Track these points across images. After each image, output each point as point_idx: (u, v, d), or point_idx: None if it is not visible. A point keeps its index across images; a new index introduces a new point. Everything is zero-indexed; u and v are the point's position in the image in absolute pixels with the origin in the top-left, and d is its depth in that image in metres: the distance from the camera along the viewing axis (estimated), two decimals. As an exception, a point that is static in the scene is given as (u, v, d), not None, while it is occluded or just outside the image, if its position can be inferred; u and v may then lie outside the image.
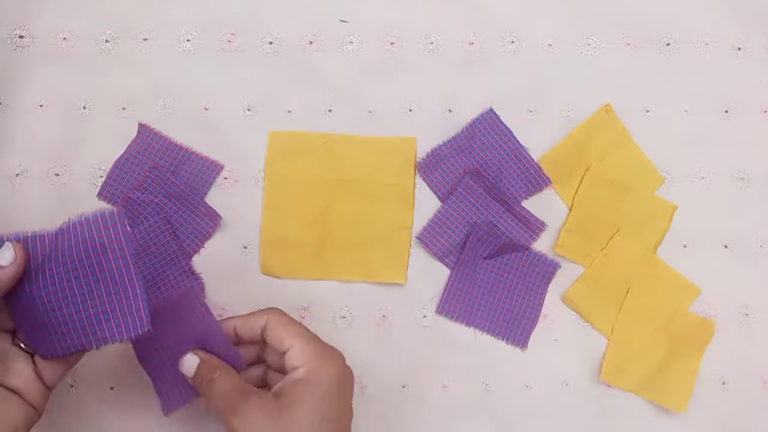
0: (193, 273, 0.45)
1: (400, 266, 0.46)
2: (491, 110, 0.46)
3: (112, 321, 0.33)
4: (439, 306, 0.45)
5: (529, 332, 0.45)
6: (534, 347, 0.46)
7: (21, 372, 0.34)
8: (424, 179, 0.46)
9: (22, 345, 0.34)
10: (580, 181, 0.47)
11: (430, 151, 0.46)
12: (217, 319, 0.38)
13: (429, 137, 0.46)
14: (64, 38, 0.46)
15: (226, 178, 0.46)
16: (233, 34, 0.47)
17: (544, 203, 0.47)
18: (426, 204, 0.46)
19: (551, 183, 0.46)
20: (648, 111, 0.48)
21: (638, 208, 0.46)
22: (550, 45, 0.48)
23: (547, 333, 0.46)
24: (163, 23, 0.47)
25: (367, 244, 0.46)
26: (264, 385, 0.40)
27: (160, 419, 0.44)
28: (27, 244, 0.33)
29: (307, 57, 0.47)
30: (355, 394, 0.45)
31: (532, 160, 0.46)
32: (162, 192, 0.45)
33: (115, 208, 0.32)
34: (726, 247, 0.47)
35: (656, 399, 0.45)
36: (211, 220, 0.45)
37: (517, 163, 0.46)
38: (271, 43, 0.47)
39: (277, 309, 0.38)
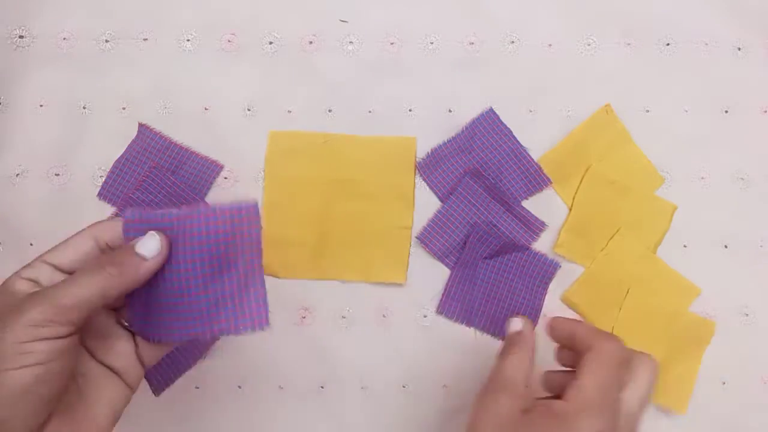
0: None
1: (400, 266, 0.46)
2: (491, 110, 0.46)
3: (235, 312, 0.32)
4: (439, 306, 0.45)
5: None
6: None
7: (123, 352, 0.32)
8: (424, 179, 0.46)
9: (125, 324, 0.33)
10: (580, 181, 0.47)
11: (430, 151, 0.46)
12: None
13: (429, 137, 0.46)
14: (64, 38, 0.46)
15: (226, 178, 0.46)
16: (233, 34, 0.47)
17: (544, 203, 0.47)
18: (426, 204, 0.46)
19: (551, 183, 0.46)
20: (648, 111, 0.48)
21: (638, 208, 0.46)
22: (550, 45, 0.48)
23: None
24: (163, 23, 0.47)
25: (367, 244, 0.46)
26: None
27: (160, 419, 0.44)
28: (154, 222, 0.31)
29: (307, 57, 0.47)
30: (355, 394, 0.45)
31: (532, 160, 0.46)
32: (162, 192, 0.45)
33: (255, 202, 0.31)
34: (726, 247, 0.47)
35: (656, 400, 0.45)
36: (211, 220, 0.45)
37: (517, 163, 0.46)
38: (271, 43, 0.47)
39: (612, 345, 0.33)
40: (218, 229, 0.31)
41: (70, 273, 0.31)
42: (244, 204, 0.31)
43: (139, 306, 0.33)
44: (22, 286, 0.29)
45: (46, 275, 0.30)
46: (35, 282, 0.30)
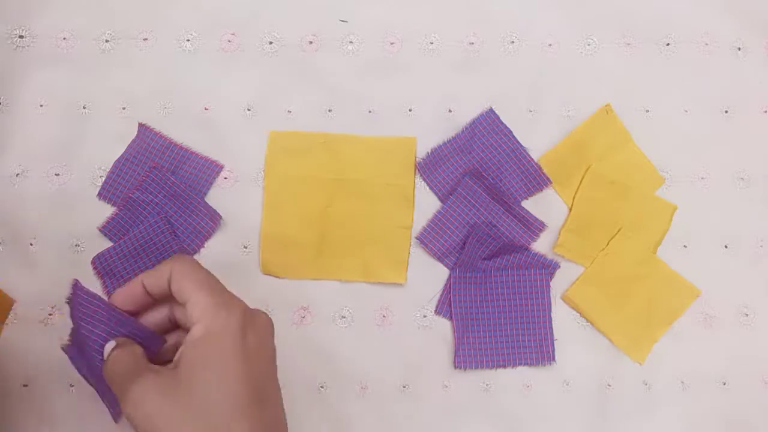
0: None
1: (400, 266, 0.46)
2: (491, 110, 0.46)
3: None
4: (438, 306, 0.45)
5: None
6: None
7: None
8: (424, 179, 0.46)
9: None
10: (580, 181, 0.47)
11: (430, 151, 0.46)
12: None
13: (429, 137, 0.46)
14: (64, 38, 0.46)
15: (226, 178, 0.46)
16: (233, 34, 0.47)
17: (544, 203, 0.47)
18: (426, 204, 0.46)
19: (551, 183, 0.46)
20: (648, 111, 0.48)
21: (638, 208, 0.46)
22: (550, 45, 0.48)
23: (547, 333, 0.46)
24: (163, 23, 0.47)
25: (367, 244, 0.46)
26: None
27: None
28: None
29: (307, 57, 0.47)
30: (355, 394, 0.45)
31: (532, 160, 0.46)
32: (162, 192, 0.45)
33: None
34: (726, 247, 0.47)
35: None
36: (211, 220, 0.45)
37: (517, 163, 0.46)
38: (271, 43, 0.47)
39: (184, 256, 0.34)
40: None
41: None
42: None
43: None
44: None
45: None
46: None
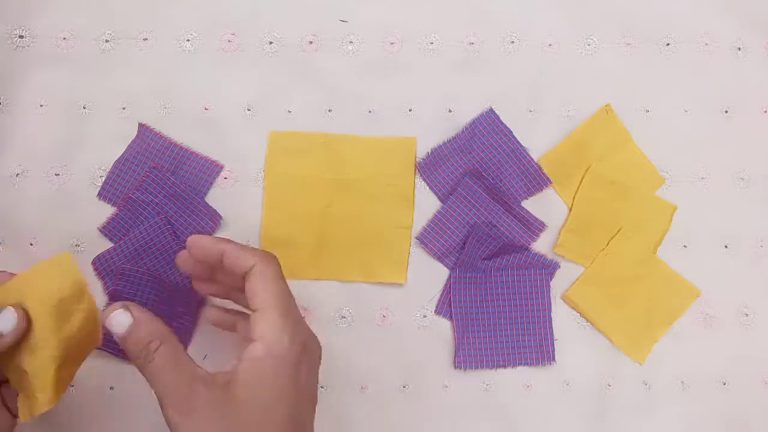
0: (193, 273, 0.45)
1: (400, 266, 0.46)
2: (491, 110, 0.46)
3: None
4: (438, 306, 0.45)
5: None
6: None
7: None
8: (424, 179, 0.46)
9: None
10: (580, 181, 0.47)
11: (430, 151, 0.46)
12: (211, 243, 0.34)
13: (429, 137, 0.46)
14: (64, 38, 0.46)
15: (226, 178, 0.46)
16: (233, 34, 0.47)
17: (544, 203, 0.47)
18: (426, 204, 0.46)
19: (551, 183, 0.46)
20: (648, 111, 0.48)
21: (638, 208, 0.46)
22: (550, 45, 0.48)
23: (547, 333, 0.46)
24: (163, 23, 0.47)
25: (367, 244, 0.46)
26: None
27: (159, 419, 0.44)
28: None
29: (307, 57, 0.47)
30: (355, 394, 0.45)
31: (532, 160, 0.46)
32: (162, 192, 0.45)
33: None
34: (726, 247, 0.47)
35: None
36: (211, 220, 0.45)
37: (517, 163, 0.46)
38: (271, 43, 0.47)
39: (270, 257, 0.33)
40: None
41: None
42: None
43: None
44: None
45: None
46: None
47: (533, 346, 0.45)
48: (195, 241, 0.34)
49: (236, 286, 0.35)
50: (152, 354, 0.30)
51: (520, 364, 0.45)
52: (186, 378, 0.30)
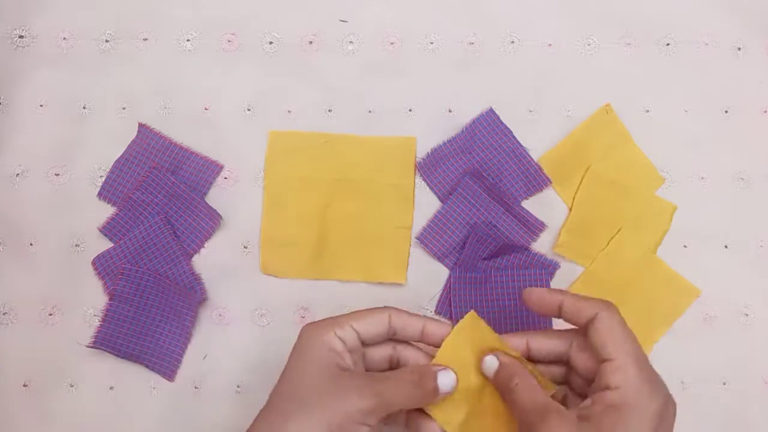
0: (192, 273, 0.45)
1: (400, 266, 0.46)
2: (491, 110, 0.46)
3: None
4: (438, 306, 0.45)
5: None
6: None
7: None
8: (424, 179, 0.46)
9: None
10: (580, 181, 0.47)
11: (430, 151, 0.46)
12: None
13: (429, 137, 0.46)
14: (64, 38, 0.46)
15: (226, 178, 0.46)
16: (233, 34, 0.47)
17: (544, 203, 0.47)
18: (426, 204, 0.46)
19: (551, 183, 0.46)
20: (648, 111, 0.48)
21: (638, 208, 0.46)
22: (550, 45, 0.48)
23: (547, 333, 0.46)
24: (163, 23, 0.47)
25: (367, 244, 0.46)
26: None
27: (159, 418, 0.44)
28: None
29: (307, 57, 0.47)
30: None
31: (532, 160, 0.46)
32: (162, 192, 0.45)
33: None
34: (726, 247, 0.47)
35: None
36: (211, 220, 0.45)
37: (517, 163, 0.46)
38: (271, 43, 0.47)
39: (612, 306, 0.34)
40: None
41: (363, 342, 0.35)
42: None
43: None
44: (338, 346, 0.34)
45: (352, 341, 0.35)
46: (344, 342, 0.34)
47: (516, 327, 0.45)
48: (530, 292, 0.36)
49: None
50: (512, 388, 0.34)
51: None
52: (541, 407, 0.32)
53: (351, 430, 0.32)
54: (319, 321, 0.35)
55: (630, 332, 0.33)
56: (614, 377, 0.31)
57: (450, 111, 0.47)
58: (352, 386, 0.33)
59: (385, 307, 0.36)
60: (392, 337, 0.36)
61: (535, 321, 0.45)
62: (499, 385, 0.35)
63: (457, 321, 0.45)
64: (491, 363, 0.35)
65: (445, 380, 0.34)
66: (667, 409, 0.31)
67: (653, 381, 0.32)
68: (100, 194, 0.45)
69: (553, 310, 0.35)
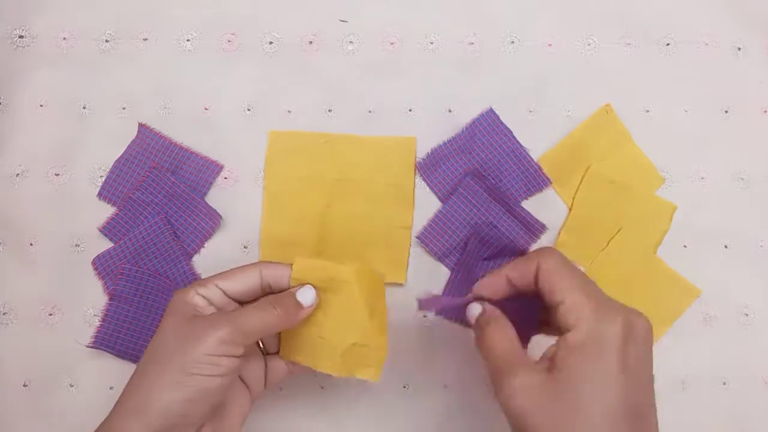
0: (192, 273, 0.45)
1: (400, 266, 0.46)
2: (491, 110, 0.46)
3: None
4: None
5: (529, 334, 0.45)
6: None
7: (256, 369, 0.38)
8: (424, 179, 0.46)
9: (261, 346, 0.40)
10: (580, 181, 0.47)
11: (430, 151, 0.46)
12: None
13: (429, 137, 0.46)
14: (64, 38, 0.46)
15: (226, 178, 0.46)
16: (233, 34, 0.47)
17: (544, 203, 0.47)
18: (426, 204, 0.46)
19: (551, 183, 0.46)
20: (648, 111, 0.48)
21: (638, 208, 0.46)
22: (550, 45, 0.48)
23: (547, 333, 0.46)
24: (163, 23, 0.47)
25: (367, 244, 0.46)
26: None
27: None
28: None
29: (307, 57, 0.47)
30: (355, 394, 0.45)
31: (532, 160, 0.46)
32: (162, 192, 0.45)
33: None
34: (726, 247, 0.47)
35: None
36: (211, 220, 0.45)
37: (517, 163, 0.46)
38: (271, 43, 0.47)
39: (551, 250, 0.34)
40: None
41: (234, 299, 0.36)
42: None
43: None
44: (199, 302, 0.35)
45: (218, 298, 0.35)
46: (209, 301, 0.35)
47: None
48: (478, 288, 0.36)
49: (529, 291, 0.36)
50: (484, 331, 0.34)
51: None
52: (508, 357, 0.32)
53: (212, 362, 0.32)
54: (190, 284, 0.36)
55: (573, 267, 0.33)
56: (569, 317, 0.31)
57: (450, 111, 0.47)
58: (206, 323, 0.33)
59: (256, 262, 0.37)
60: (269, 291, 0.37)
61: (534, 320, 0.45)
62: (478, 329, 0.35)
63: (457, 321, 0.45)
64: (475, 309, 0.36)
65: (306, 294, 0.36)
66: (630, 329, 0.30)
67: (607, 307, 0.31)
68: (100, 194, 0.45)
69: (504, 289, 0.35)
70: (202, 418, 0.33)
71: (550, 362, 0.31)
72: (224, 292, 0.36)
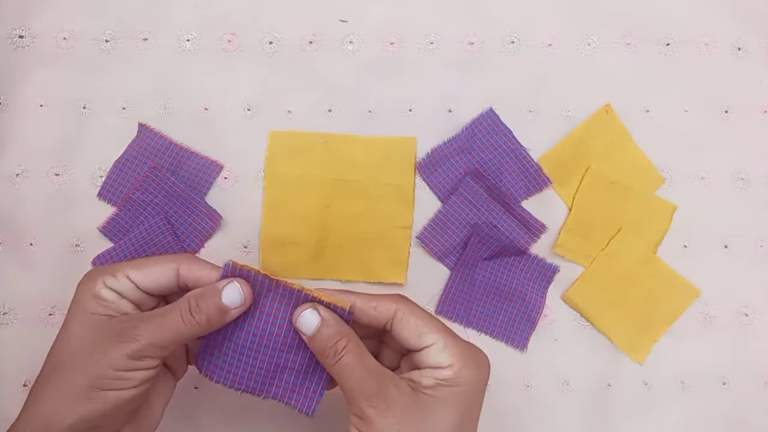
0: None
1: (400, 266, 0.46)
2: (491, 110, 0.46)
3: (293, 386, 0.34)
4: (438, 306, 0.45)
5: (529, 334, 0.45)
6: (534, 347, 0.46)
7: (175, 353, 0.36)
8: (424, 179, 0.46)
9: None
10: (580, 181, 0.47)
11: (430, 151, 0.46)
12: (332, 289, 0.34)
13: (429, 137, 0.46)
14: (64, 38, 0.46)
15: (226, 178, 0.46)
16: (233, 34, 0.47)
17: (544, 203, 0.47)
18: (426, 204, 0.46)
19: (551, 183, 0.46)
20: (648, 111, 0.48)
21: (638, 208, 0.46)
22: (550, 45, 0.48)
23: (547, 333, 0.46)
24: (163, 23, 0.47)
25: (367, 244, 0.46)
26: None
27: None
28: (251, 278, 0.33)
29: (307, 57, 0.47)
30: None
31: (532, 160, 0.46)
32: (162, 192, 0.45)
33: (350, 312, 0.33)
34: (726, 247, 0.47)
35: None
36: (211, 220, 0.45)
37: (517, 163, 0.46)
38: (271, 43, 0.47)
39: (405, 297, 0.35)
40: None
41: (147, 293, 0.33)
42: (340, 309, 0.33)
43: (209, 345, 0.35)
44: (108, 296, 0.32)
45: (130, 292, 0.32)
46: (119, 294, 0.32)
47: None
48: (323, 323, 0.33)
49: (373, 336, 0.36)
50: (340, 352, 0.32)
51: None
52: (376, 375, 0.32)
53: (122, 377, 0.30)
54: (97, 269, 0.33)
55: (430, 314, 0.34)
56: (441, 357, 0.32)
57: (450, 111, 0.47)
58: (113, 336, 0.30)
59: (175, 254, 0.35)
60: (185, 289, 0.33)
61: (533, 321, 0.45)
62: (323, 346, 0.32)
63: (457, 321, 0.45)
64: (310, 318, 0.32)
65: (233, 294, 0.32)
66: (488, 373, 0.34)
67: (477, 355, 0.33)
68: (100, 194, 0.45)
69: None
70: (120, 424, 0.32)
71: (414, 386, 0.32)
72: (136, 286, 0.32)
